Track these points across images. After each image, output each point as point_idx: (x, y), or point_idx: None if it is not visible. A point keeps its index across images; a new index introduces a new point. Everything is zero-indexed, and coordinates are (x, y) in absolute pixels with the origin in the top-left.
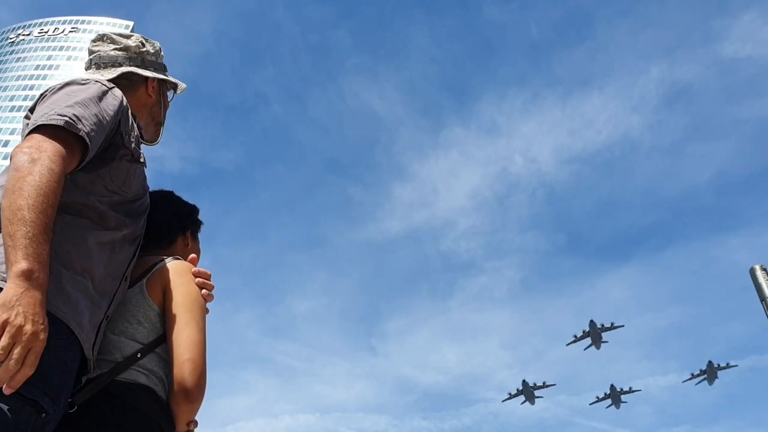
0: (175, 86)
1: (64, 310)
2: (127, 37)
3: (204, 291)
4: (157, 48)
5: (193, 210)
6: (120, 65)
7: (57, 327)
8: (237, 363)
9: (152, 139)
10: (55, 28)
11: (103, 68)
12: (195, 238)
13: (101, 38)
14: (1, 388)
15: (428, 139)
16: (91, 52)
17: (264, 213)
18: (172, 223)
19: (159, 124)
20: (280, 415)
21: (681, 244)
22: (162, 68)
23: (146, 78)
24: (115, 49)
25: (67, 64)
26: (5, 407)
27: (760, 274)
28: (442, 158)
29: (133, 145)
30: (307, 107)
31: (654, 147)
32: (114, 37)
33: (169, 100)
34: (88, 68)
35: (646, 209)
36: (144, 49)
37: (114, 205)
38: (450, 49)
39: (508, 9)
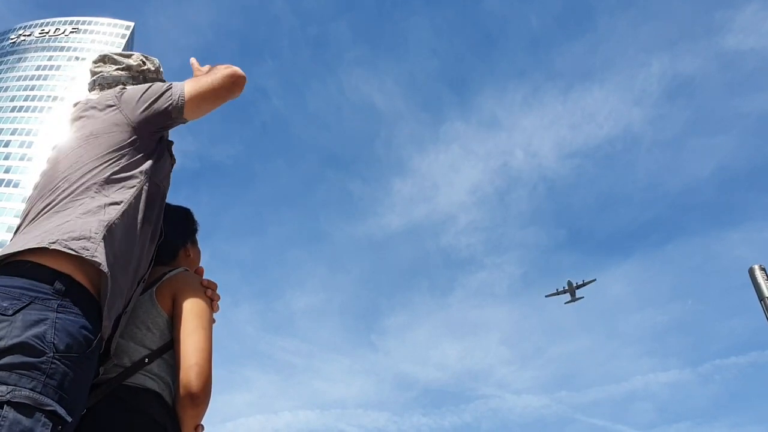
0: None
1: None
2: (128, 56)
3: (213, 302)
4: (157, 65)
5: (188, 217)
6: (124, 85)
7: (82, 336)
8: (236, 359)
9: None
10: (56, 29)
11: (107, 88)
12: (194, 244)
13: (102, 59)
14: (18, 399)
15: (428, 134)
16: (93, 73)
17: (263, 208)
18: (172, 240)
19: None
20: (280, 411)
21: (682, 240)
22: None
23: None
24: (117, 69)
25: (67, 64)
26: (24, 418)
27: (758, 273)
28: (442, 153)
29: (172, 150)
30: (307, 101)
31: (655, 141)
32: (115, 57)
33: None
34: (92, 89)
35: (647, 204)
36: (145, 67)
37: (149, 195)
38: (450, 41)
39: (508, 1)
